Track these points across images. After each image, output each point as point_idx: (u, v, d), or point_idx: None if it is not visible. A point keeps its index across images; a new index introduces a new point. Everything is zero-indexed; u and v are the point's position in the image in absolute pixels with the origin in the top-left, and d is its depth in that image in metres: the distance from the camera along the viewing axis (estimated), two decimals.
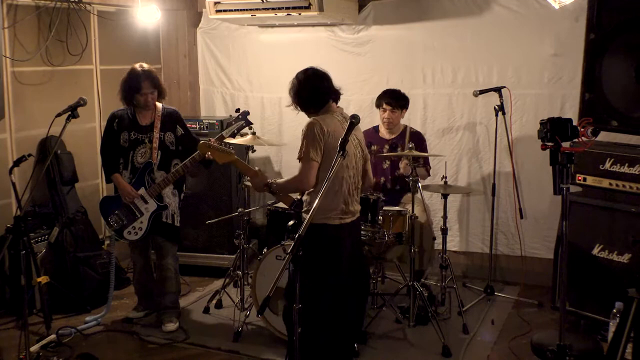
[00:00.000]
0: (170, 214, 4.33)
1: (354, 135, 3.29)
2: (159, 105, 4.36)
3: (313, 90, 3.39)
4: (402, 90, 4.83)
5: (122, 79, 4.28)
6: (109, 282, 4.59)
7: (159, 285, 4.46)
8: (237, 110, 4.41)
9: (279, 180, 3.45)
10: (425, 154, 4.70)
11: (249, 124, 4.27)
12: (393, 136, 4.82)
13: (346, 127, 2.98)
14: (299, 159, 3.28)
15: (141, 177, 4.25)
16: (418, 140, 4.71)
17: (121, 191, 4.27)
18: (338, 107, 3.48)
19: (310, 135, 3.24)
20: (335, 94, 3.46)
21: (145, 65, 4.30)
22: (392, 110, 4.73)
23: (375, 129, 4.87)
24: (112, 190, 4.46)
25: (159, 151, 4.26)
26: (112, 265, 4.58)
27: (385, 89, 4.86)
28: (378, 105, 4.80)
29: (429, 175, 4.94)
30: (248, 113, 4.28)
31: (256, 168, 3.63)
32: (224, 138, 4.17)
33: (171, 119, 4.35)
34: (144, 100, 4.24)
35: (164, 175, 4.26)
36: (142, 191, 4.24)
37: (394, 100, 4.74)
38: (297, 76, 3.45)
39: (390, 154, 4.67)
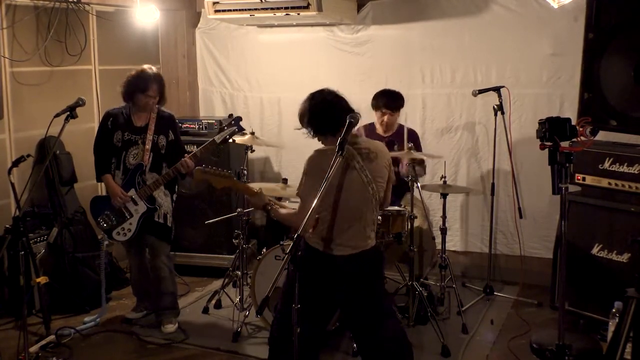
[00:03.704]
0: (163, 214, 4.32)
1: (360, 165, 3.02)
2: (154, 107, 4.34)
3: (324, 116, 3.07)
4: (401, 90, 4.81)
5: (130, 75, 4.22)
6: (101, 282, 4.59)
7: (155, 286, 4.46)
8: (230, 115, 4.40)
9: (280, 210, 3.22)
10: (423, 155, 4.69)
11: (241, 129, 4.26)
12: (389, 134, 4.81)
13: (356, 163, 2.95)
14: (298, 195, 3.10)
15: (132, 179, 4.23)
16: (415, 139, 4.71)
17: (111, 193, 4.26)
18: (356, 134, 3.14)
19: (308, 172, 3.02)
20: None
21: (154, 69, 4.28)
22: (392, 113, 4.70)
23: (372, 125, 4.85)
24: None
25: (151, 153, 4.24)
26: (103, 266, 4.58)
27: (381, 90, 4.79)
28: (375, 107, 4.74)
29: (425, 173, 4.92)
30: (240, 119, 4.27)
31: (257, 189, 3.38)
32: (216, 143, 4.16)
33: (166, 123, 4.33)
34: (144, 102, 4.21)
35: (155, 177, 4.25)
36: (132, 192, 4.23)
37: (393, 102, 4.70)
38: (308, 98, 3.15)
39: (392, 153, 4.64)
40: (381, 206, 3.25)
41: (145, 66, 4.27)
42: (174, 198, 4.44)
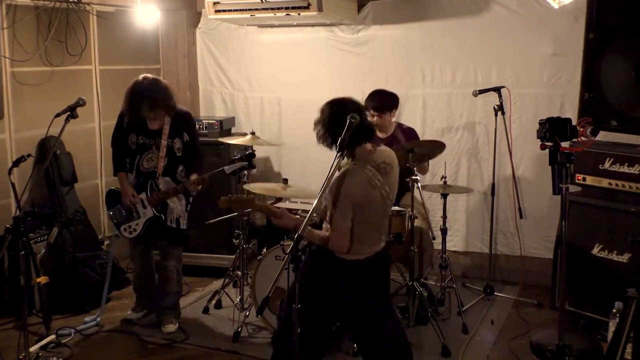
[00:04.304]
0: (175, 219, 4.32)
1: (380, 183, 2.99)
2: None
3: (338, 127, 2.91)
4: (401, 90, 4.78)
5: (127, 90, 4.16)
6: (102, 282, 4.62)
7: (160, 285, 4.47)
8: (246, 148, 4.42)
9: (315, 231, 3.06)
10: (424, 143, 4.68)
11: (252, 167, 4.24)
12: (386, 135, 4.80)
13: (377, 181, 2.94)
14: (330, 222, 3.01)
15: (144, 183, 4.26)
16: (413, 137, 4.69)
17: (122, 193, 4.31)
18: (372, 149, 3.07)
19: (337, 197, 2.93)
20: (366, 133, 3.03)
21: (146, 82, 4.13)
22: (380, 115, 4.68)
23: None
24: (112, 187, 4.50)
25: (166, 158, 4.24)
26: (110, 265, 4.60)
27: (372, 91, 4.73)
28: (365, 108, 4.71)
29: (428, 168, 4.92)
30: (254, 155, 4.23)
31: (280, 209, 3.28)
32: (225, 173, 4.16)
33: (180, 124, 4.29)
34: (146, 116, 4.20)
35: (168, 182, 4.26)
36: (142, 196, 4.26)
37: (379, 103, 4.65)
38: (325, 107, 3.06)
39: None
40: None
41: (141, 77, 4.18)
42: (190, 200, 4.42)
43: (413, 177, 4.20)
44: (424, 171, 4.80)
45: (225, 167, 4.18)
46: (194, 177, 4.21)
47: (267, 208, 3.32)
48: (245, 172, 4.34)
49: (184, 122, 4.33)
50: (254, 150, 4.29)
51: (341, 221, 2.93)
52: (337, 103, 3.06)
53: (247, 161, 4.19)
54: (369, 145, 3.07)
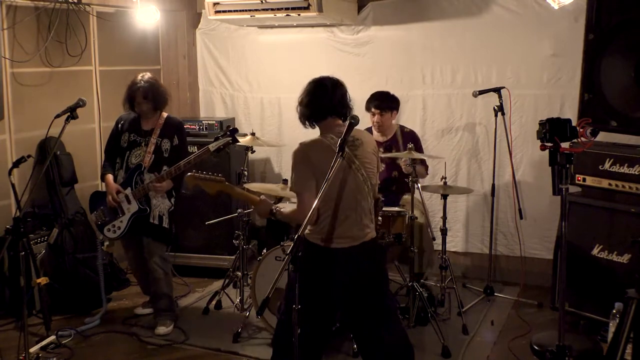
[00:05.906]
0: (158, 216, 4.34)
1: (348, 154, 3.00)
2: (164, 114, 4.43)
3: (309, 103, 3.14)
4: (402, 91, 4.79)
5: (127, 86, 4.38)
6: (100, 283, 4.64)
7: (152, 288, 4.48)
8: (228, 126, 4.46)
9: (283, 210, 3.13)
10: (423, 156, 4.69)
11: (235, 141, 4.25)
12: (387, 138, 4.80)
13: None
14: (292, 191, 3.08)
15: (130, 178, 4.30)
16: (413, 139, 4.69)
17: (107, 191, 4.35)
18: (338, 123, 3.10)
19: (297, 165, 3.02)
20: (335, 110, 3.12)
21: (147, 76, 4.35)
22: (381, 113, 4.69)
23: (369, 130, 4.84)
24: None
25: (153, 155, 4.31)
26: (101, 266, 4.63)
27: (373, 92, 4.79)
28: (367, 108, 4.72)
29: (428, 173, 4.93)
30: (236, 131, 4.25)
31: (259, 196, 3.25)
32: (210, 152, 4.16)
33: (172, 129, 4.41)
34: (139, 109, 4.35)
35: (152, 178, 4.28)
36: (128, 191, 4.29)
37: (382, 102, 4.69)
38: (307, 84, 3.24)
39: (388, 154, 4.63)
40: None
41: (139, 75, 4.35)
42: (173, 201, 4.44)
43: (412, 178, 4.20)
44: (422, 176, 4.81)
45: (210, 145, 4.18)
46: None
47: (243, 194, 3.25)
48: (228, 149, 4.34)
49: (176, 126, 4.45)
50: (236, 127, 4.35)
51: (301, 188, 2.95)
52: (314, 81, 3.24)
53: (231, 136, 4.19)
54: (339, 121, 3.09)
